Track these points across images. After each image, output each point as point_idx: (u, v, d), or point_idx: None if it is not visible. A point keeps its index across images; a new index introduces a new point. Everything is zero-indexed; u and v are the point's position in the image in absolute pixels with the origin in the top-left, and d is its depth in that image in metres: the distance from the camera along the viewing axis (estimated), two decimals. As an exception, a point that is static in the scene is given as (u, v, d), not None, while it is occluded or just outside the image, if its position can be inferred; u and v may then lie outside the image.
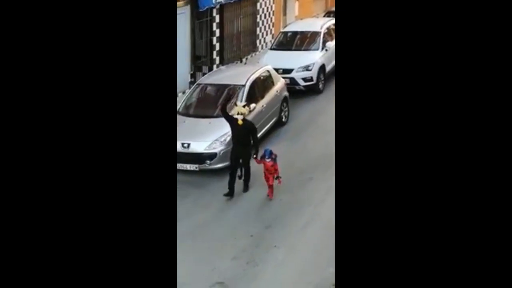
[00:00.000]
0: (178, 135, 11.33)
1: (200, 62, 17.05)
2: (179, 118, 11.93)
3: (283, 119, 13.65)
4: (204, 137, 11.23)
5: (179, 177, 10.95)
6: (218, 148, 11.03)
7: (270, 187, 9.93)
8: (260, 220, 9.34)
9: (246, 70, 13.66)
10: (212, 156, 11.03)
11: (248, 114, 10.56)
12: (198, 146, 11.10)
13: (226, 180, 11.05)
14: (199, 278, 7.98)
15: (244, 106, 10.23)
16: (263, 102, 12.61)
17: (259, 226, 9.17)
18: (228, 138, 11.22)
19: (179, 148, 11.13)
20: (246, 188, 10.40)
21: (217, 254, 8.58)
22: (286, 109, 13.82)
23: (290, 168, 11.04)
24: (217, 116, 11.75)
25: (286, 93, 13.86)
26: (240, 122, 9.98)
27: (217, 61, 17.83)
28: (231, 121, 10.14)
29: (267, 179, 9.91)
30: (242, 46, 19.49)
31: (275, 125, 13.25)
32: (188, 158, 11.02)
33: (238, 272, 8.12)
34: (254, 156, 9.96)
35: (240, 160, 10.17)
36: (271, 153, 9.79)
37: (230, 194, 10.21)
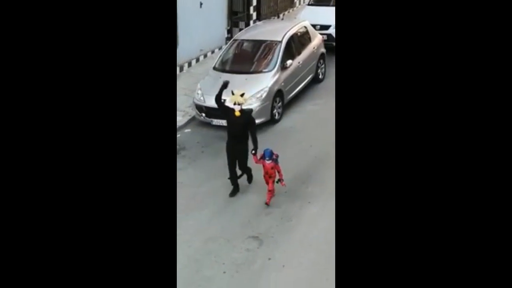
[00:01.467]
0: (215, 90, 11.41)
1: (237, 18, 16.94)
2: (215, 73, 11.98)
3: (320, 76, 13.57)
4: (240, 93, 11.27)
5: (216, 133, 11.08)
6: (254, 104, 11.06)
7: (269, 191, 8.67)
8: (295, 177, 9.40)
9: (283, 26, 13.53)
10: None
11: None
12: (234, 102, 11.16)
13: (261, 136, 11.12)
14: (234, 232, 8.13)
15: (241, 95, 8.75)
16: (299, 59, 12.53)
17: (294, 183, 9.24)
18: (265, 94, 11.23)
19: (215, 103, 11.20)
20: (249, 179, 9.31)
21: (251, 210, 8.70)
22: (323, 66, 13.71)
23: (324, 125, 11.03)
24: (253, 72, 11.75)
25: (323, 50, 13.74)
26: (237, 113, 8.66)
27: (254, 17, 17.68)
28: (226, 111, 8.88)
29: (266, 182, 8.70)
30: (279, 2, 19.25)
31: (312, 82, 13.18)
32: (224, 113, 11.09)
33: (272, 227, 8.24)
34: (253, 152, 8.62)
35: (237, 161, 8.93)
36: (271, 153, 8.50)
37: (234, 191, 9.09)
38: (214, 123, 11.22)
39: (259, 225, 8.24)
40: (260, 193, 8.98)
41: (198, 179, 9.59)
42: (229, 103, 8.82)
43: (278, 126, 11.50)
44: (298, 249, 7.68)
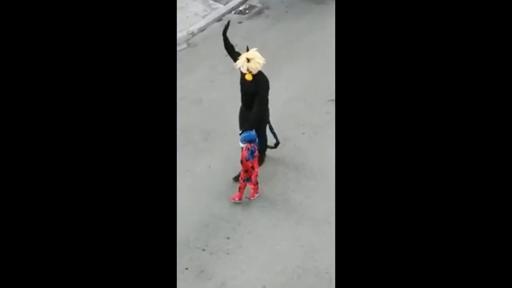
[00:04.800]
0: None
1: None
2: None
3: None
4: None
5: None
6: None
7: (239, 188, 6.70)
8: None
9: None
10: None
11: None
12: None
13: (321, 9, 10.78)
14: (315, 95, 8.23)
15: (248, 61, 6.51)
16: None
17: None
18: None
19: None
20: (261, 158, 7.10)
21: (331, 72, 8.69)
22: None
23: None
24: None
25: None
26: (248, 76, 6.62)
27: None
28: (234, 58, 6.80)
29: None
30: None
31: None
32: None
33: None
34: (240, 133, 6.65)
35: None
36: (251, 140, 6.47)
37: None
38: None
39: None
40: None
41: (279, 41, 9.57)
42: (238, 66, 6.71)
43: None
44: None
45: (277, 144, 7.04)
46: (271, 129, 7.00)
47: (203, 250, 6.24)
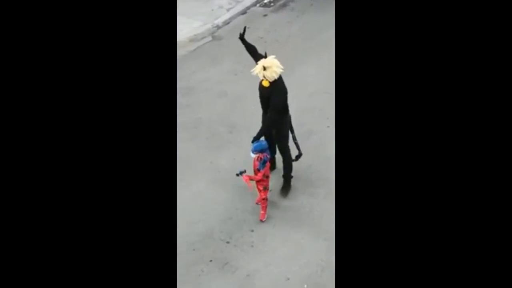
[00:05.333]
0: None
1: None
2: None
3: None
4: None
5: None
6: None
7: (262, 200, 6.49)
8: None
9: None
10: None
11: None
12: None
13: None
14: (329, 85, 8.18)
15: (265, 69, 6.17)
16: None
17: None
18: None
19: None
20: (285, 190, 6.86)
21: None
22: None
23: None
24: None
25: None
26: (265, 83, 6.33)
27: None
28: (255, 57, 6.56)
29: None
30: None
31: None
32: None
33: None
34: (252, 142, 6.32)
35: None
36: (262, 149, 6.24)
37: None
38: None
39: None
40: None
41: (304, 34, 9.55)
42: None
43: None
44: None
45: (299, 156, 6.66)
46: (294, 139, 6.65)
47: (228, 242, 6.27)
